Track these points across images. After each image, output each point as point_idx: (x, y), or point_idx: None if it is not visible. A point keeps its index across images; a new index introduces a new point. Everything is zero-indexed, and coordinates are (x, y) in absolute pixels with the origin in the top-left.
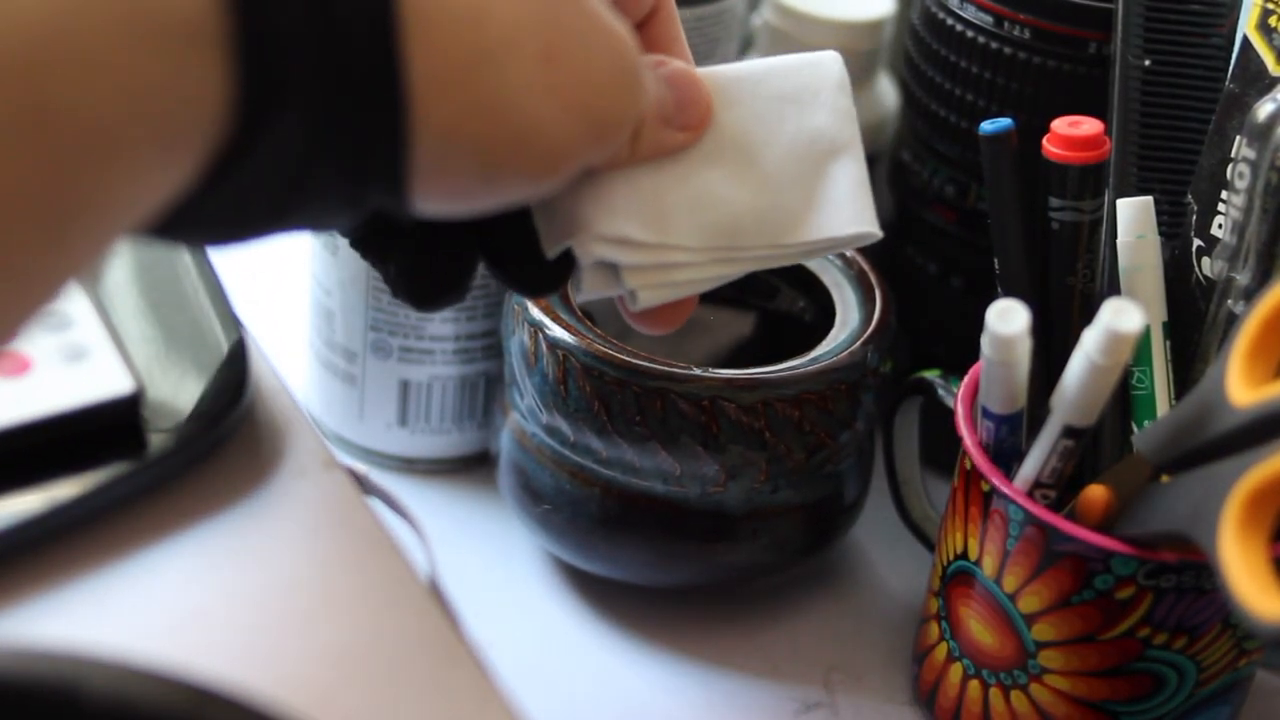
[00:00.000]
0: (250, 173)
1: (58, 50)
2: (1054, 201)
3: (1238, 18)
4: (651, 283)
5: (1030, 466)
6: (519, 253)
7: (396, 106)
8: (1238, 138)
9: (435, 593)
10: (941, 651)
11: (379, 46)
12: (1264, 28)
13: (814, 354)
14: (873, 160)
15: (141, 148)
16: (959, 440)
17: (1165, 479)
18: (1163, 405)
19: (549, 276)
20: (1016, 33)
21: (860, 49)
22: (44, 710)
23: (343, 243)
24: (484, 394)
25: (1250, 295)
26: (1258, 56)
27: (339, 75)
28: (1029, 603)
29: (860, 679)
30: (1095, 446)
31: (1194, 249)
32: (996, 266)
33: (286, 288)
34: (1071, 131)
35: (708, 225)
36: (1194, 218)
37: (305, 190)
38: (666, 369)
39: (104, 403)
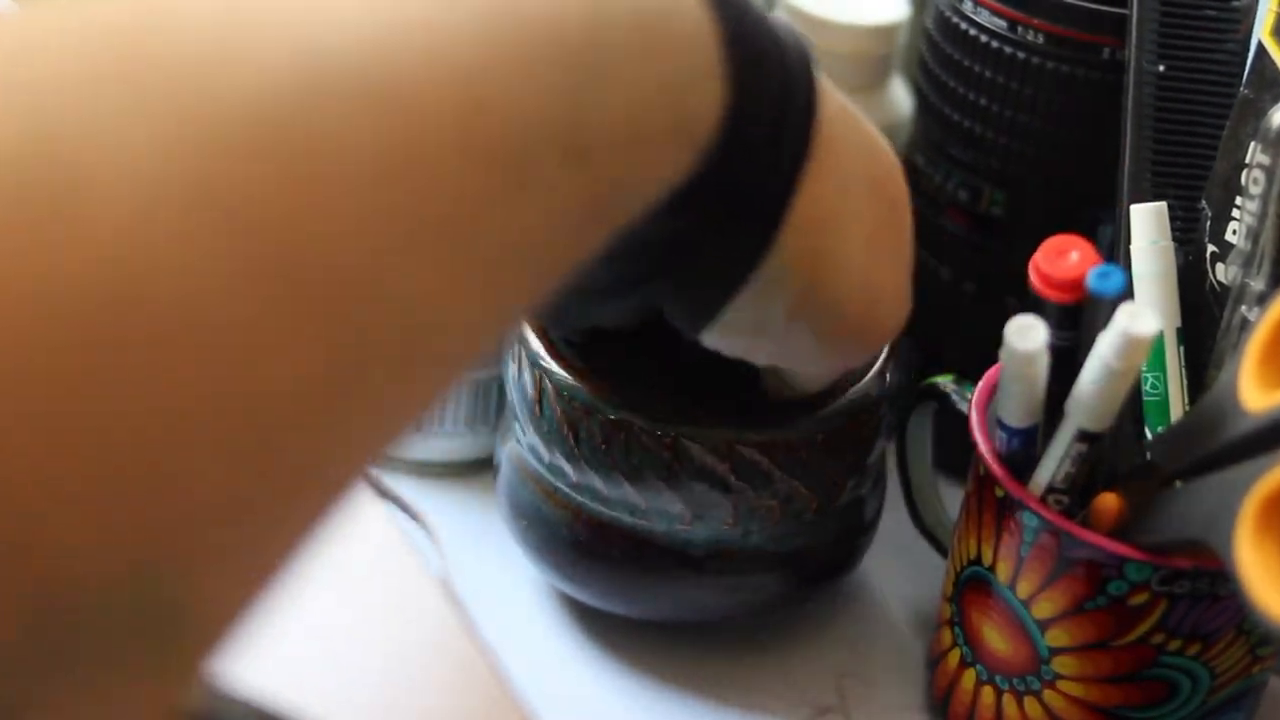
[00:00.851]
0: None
1: None
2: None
3: (1252, 23)
4: None
5: (1044, 472)
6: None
7: (771, 224)
8: (1252, 143)
9: (447, 595)
10: (955, 657)
11: (788, 168)
12: (1279, 33)
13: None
14: None
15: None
16: (971, 445)
17: (1178, 485)
18: (1176, 411)
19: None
20: (1030, 38)
21: (874, 53)
22: None
23: None
24: (497, 398)
25: (1264, 301)
26: (1272, 62)
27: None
28: (1043, 609)
29: (873, 685)
30: (1108, 452)
31: (1208, 255)
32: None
33: None
34: (1055, 268)
35: None
36: (1208, 223)
37: (639, 282)
38: (632, 401)
39: None
